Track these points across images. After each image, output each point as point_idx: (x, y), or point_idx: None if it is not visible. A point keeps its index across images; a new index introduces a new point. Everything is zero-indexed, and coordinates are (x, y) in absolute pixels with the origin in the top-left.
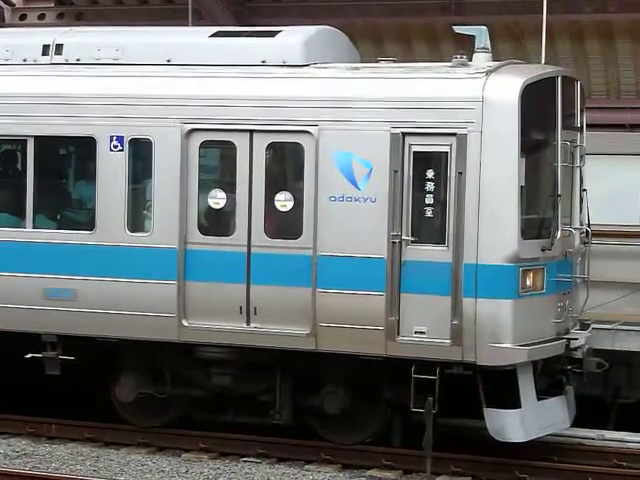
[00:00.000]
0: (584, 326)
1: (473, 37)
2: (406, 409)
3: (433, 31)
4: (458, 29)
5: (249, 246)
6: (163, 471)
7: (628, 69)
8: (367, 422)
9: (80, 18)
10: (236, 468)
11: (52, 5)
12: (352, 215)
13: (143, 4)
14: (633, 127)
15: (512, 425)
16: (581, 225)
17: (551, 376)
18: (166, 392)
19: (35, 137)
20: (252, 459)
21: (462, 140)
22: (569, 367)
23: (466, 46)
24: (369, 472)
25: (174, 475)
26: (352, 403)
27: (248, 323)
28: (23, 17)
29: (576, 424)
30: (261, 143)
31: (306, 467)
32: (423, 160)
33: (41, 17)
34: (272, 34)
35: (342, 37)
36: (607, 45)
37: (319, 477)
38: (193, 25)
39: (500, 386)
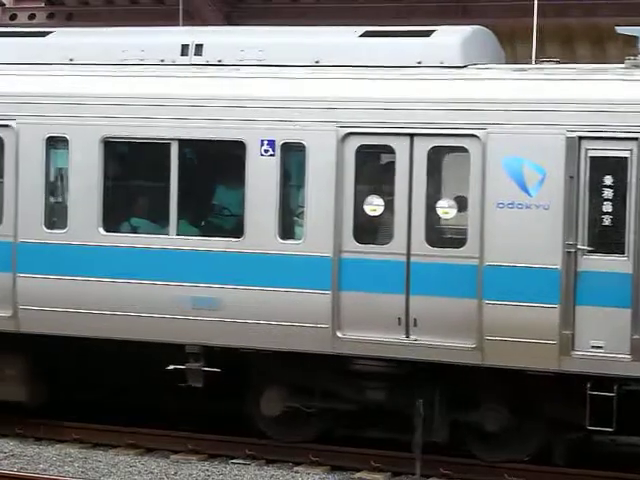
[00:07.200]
0: None
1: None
2: (569, 427)
3: None
4: (621, 30)
5: (408, 255)
6: (152, 472)
7: None
8: (526, 440)
9: (70, 18)
10: (225, 470)
11: (42, 5)
12: (523, 223)
13: (133, 4)
14: None
15: None
16: None
17: None
18: (314, 406)
19: (179, 140)
20: (241, 461)
21: None
22: None
23: None
24: (358, 474)
25: (163, 477)
26: (513, 420)
27: (407, 335)
28: (13, 17)
29: None
30: (422, 147)
31: (295, 469)
32: (601, 165)
33: (31, 17)
34: (427, 34)
35: (493, 37)
36: (597, 48)
37: (308, 479)
38: (183, 25)
39: None
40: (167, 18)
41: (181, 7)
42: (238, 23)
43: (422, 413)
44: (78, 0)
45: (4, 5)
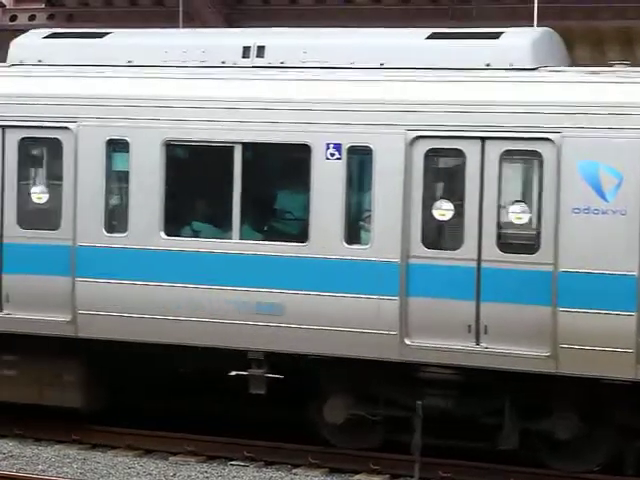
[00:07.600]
0: None
1: None
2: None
3: None
4: None
5: (479, 260)
6: (150, 474)
7: None
8: (597, 449)
9: (71, 19)
10: (224, 472)
11: (43, 6)
12: (599, 229)
13: (133, 6)
14: None
15: None
16: None
17: None
18: (379, 414)
19: (243, 144)
20: (239, 462)
21: None
22: None
23: None
24: (357, 476)
25: (161, 478)
26: (584, 429)
27: (477, 343)
28: (14, 18)
29: None
30: (494, 151)
31: (294, 471)
32: None
33: (31, 18)
34: (495, 36)
35: (559, 39)
36: (597, 51)
37: None
38: (184, 27)
39: None
40: (167, 20)
41: (181, 9)
42: (238, 25)
43: (421, 415)
44: (78, 1)
45: (4, 6)
